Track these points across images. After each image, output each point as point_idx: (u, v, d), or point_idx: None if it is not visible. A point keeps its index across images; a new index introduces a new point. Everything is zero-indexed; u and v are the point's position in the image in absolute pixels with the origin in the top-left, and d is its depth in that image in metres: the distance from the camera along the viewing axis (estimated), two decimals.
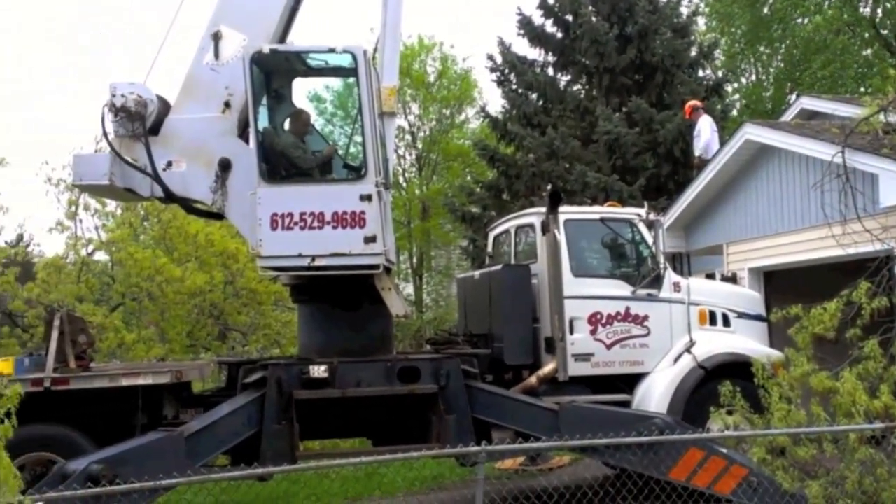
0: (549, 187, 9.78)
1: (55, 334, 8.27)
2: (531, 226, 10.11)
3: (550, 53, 21.06)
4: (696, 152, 15.74)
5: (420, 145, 31.05)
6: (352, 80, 8.94)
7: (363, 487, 10.58)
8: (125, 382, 8.15)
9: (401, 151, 29.99)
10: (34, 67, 58.62)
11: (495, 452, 7.54)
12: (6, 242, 19.87)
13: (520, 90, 21.11)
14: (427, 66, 30.94)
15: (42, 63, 58.31)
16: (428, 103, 30.65)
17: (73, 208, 15.50)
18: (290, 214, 8.35)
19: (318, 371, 8.47)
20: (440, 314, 26.28)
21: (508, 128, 20.41)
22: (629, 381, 9.64)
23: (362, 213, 8.39)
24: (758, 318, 10.39)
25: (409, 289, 28.84)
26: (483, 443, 6.90)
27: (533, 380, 9.28)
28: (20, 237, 24.96)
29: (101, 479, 6.77)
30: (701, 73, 21.55)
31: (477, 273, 11.06)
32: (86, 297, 14.45)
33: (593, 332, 9.47)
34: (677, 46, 19.81)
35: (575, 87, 21.13)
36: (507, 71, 21.30)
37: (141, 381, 8.19)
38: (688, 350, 9.61)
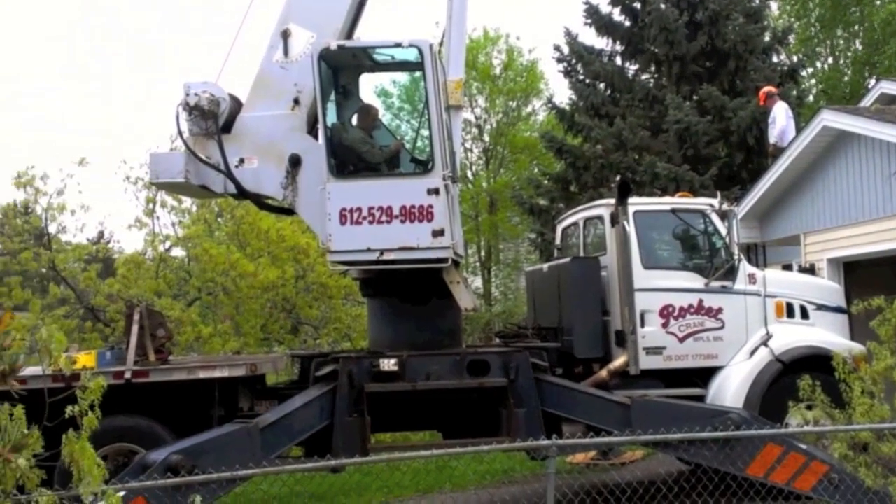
0: (617, 178, 9.63)
1: (135, 328, 8.52)
2: (600, 218, 10.00)
3: (618, 42, 20.77)
4: (771, 140, 15.33)
5: (487, 138, 30.98)
6: (418, 74, 8.96)
7: (434, 480, 10.62)
8: (202, 375, 8.36)
9: (467, 144, 29.99)
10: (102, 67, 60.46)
11: (566, 447, 7.47)
12: (88, 240, 20.58)
13: (587, 80, 20.88)
14: (493, 59, 30.84)
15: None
16: (494, 96, 30.54)
17: (151, 206, 15.94)
18: (359, 209, 8.43)
19: (388, 364, 8.53)
20: (509, 307, 26.20)
21: (576, 119, 20.21)
22: (703, 375, 9.45)
23: (430, 206, 8.42)
24: (838, 310, 10.07)
25: (477, 282, 28.83)
26: (553, 437, 6.86)
27: (603, 373, 9.18)
28: (101, 234, 25.80)
29: (181, 470, 6.96)
30: (775, 59, 20.98)
31: (545, 266, 10.97)
32: (164, 292, 14.84)
33: (665, 325, 9.32)
34: (750, 32, 19.31)
35: (644, 76, 20.79)
36: (573, 61, 21.08)
37: (217, 373, 8.38)
38: (764, 343, 9.38)
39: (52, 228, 15.77)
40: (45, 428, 3.90)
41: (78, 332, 14.69)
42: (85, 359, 8.20)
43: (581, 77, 21.03)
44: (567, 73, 21.27)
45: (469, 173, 30.34)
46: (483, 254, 30.39)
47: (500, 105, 30.88)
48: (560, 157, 20.51)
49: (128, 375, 8.13)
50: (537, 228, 21.02)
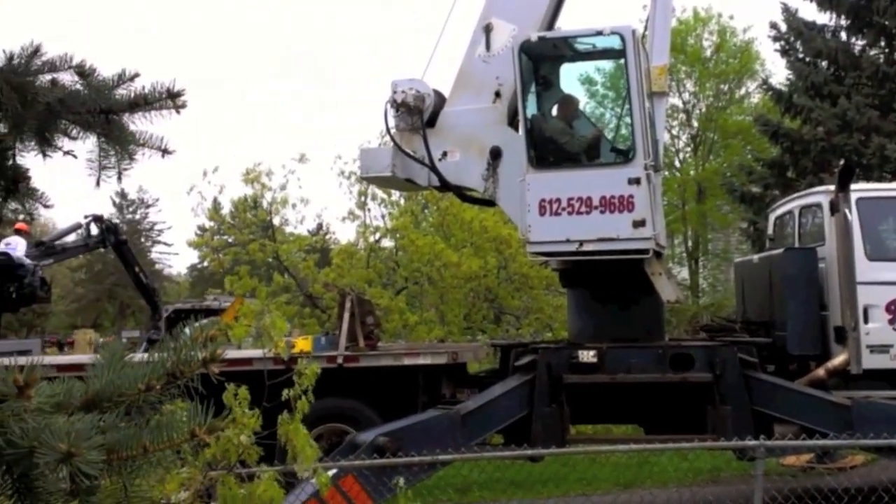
0: (840, 162, 8.94)
1: (347, 316, 9.02)
2: (818, 205, 9.35)
3: (843, 16, 19.26)
4: None
5: (695, 123, 29.80)
6: (620, 61, 8.81)
7: (634, 475, 10.42)
8: (407, 362, 8.73)
9: (674, 131, 29.01)
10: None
11: (775, 448, 7.09)
12: (308, 231, 22.04)
13: (807, 59, 19.56)
14: (703, 41, 29.58)
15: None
16: (704, 79, 29.30)
17: (363, 199, 16.78)
18: (558, 200, 8.42)
19: (587, 356, 8.48)
20: (717, 299, 25.15)
21: (794, 100, 19.00)
22: None
23: (630, 196, 8.26)
24: None
25: (683, 273, 27.88)
26: (761, 437, 6.53)
27: (821, 372, 8.59)
28: (319, 226, 27.51)
29: (386, 451, 7.31)
30: None
31: (756, 257, 10.44)
32: (374, 281, 15.59)
33: (892, 322, 8.56)
34: None
35: (872, 52, 19.15)
36: (792, 39, 19.82)
37: (421, 360, 8.71)
38: None
39: (275, 221, 17.05)
40: (271, 405, 4.22)
41: (298, 317, 15.78)
42: (302, 343, 8.79)
43: (800, 55, 19.74)
44: (784, 52, 20.05)
45: (676, 161, 29.35)
46: (690, 244, 29.32)
47: (711, 88, 29.58)
48: (775, 142, 19.38)
49: (340, 360, 8.63)
50: (749, 217, 20.01)
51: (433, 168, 9.25)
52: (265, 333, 4.45)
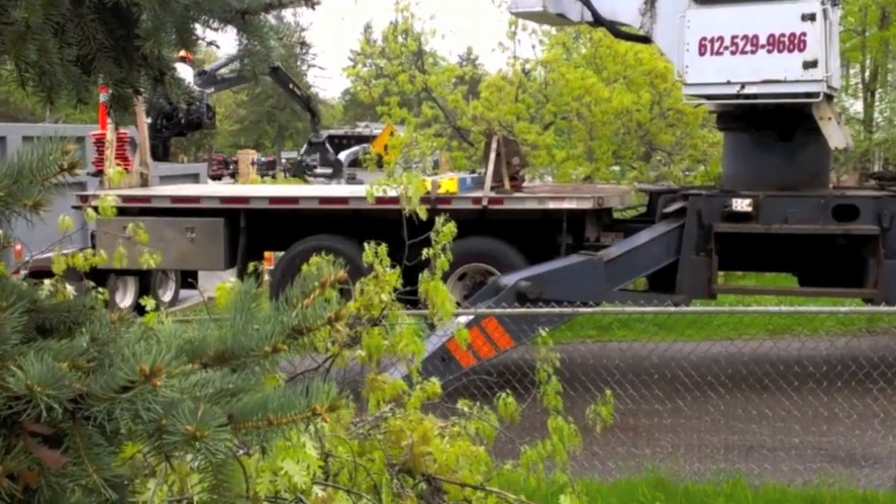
0: None
1: (492, 156, 8.97)
2: None
3: None
4: None
5: None
6: None
7: (786, 322, 10.18)
8: (551, 205, 8.67)
9: None
10: None
11: None
12: (459, 56, 21.70)
13: None
14: None
15: None
16: None
17: (513, 29, 16.19)
18: (721, 38, 7.91)
19: (741, 205, 8.17)
20: (893, 136, 23.24)
21: None
22: None
23: (803, 34, 7.64)
24: None
25: (857, 106, 25.80)
26: None
27: None
28: (469, 52, 27.04)
29: (528, 296, 7.46)
30: None
31: None
32: (522, 114, 15.29)
33: None
34: None
35: None
36: None
37: (566, 204, 8.63)
38: None
39: (425, 48, 16.87)
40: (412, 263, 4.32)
41: (446, 149, 15.88)
42: (448, 184, 8.86)
43: None
44: None
45: None
46: (867, 74, 26.87)
47: None
48: None
49: (485, 202, 8.68)
50: None
51: (586, 2, 8.80)
52: (402, 195, 4.48)
